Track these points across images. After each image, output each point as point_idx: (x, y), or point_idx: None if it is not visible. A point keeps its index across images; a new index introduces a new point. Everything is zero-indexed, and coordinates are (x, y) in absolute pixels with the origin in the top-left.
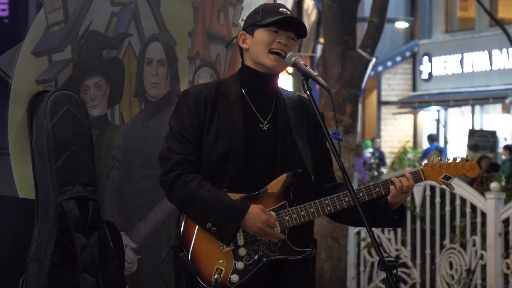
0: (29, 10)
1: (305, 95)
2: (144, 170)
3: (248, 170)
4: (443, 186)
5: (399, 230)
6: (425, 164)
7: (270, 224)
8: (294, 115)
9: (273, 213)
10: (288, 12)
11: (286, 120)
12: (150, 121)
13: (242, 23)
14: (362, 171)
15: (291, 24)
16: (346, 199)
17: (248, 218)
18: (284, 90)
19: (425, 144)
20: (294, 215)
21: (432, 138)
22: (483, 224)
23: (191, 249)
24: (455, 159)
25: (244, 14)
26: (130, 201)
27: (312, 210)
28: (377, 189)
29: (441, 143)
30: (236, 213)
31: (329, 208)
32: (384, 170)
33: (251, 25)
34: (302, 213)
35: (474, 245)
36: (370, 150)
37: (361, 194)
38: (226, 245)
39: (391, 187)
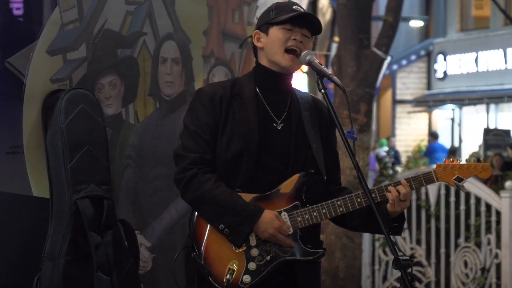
0: (43, 9)
1: (318, 96)
2: (158, 169)
3: (261, 170)
4: None
5: (414, 228)
6: (437, 165)
7: (282, 231)
8: (308, 115)
9: (286, 213)
10: (302, 9)
11: (300, 120)
12: (165, 120)
13: (257, 22)
14: (376, 170)
15: (305, 21)
16: (359, 200)
17: (261, 223)
18: (298, 90)
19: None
20: (307, 216)
21: (435, 136)
22: (498, 223)
23: (203, 249)
24: (467, 160)
25: (259, 13)
26: (144, 200)
27: (324, 211)
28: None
29: (456, 142)
30: (249, 217)
31: (341, 209)
32: (399, 168)
33: (265, 24)
34: (315, 214)
35: (489, 244)
36: (385, 148)
37: (373, 195)
38: (238, 248)
39: (387, 194)
